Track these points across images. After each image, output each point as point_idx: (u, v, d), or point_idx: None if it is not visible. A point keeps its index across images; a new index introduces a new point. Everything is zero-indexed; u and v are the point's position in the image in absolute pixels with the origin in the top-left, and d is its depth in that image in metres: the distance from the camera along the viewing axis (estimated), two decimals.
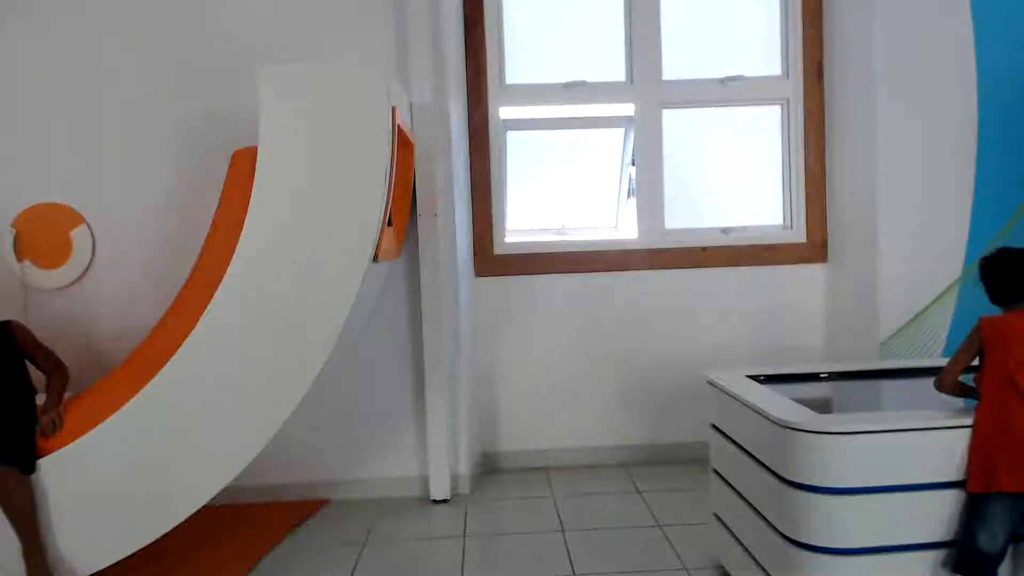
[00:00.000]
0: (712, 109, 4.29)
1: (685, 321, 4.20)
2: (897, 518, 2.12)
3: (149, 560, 2.95)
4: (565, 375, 4.20)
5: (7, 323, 2.91)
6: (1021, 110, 3.69)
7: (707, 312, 4.20)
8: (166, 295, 3.37)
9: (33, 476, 2.69)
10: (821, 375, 3.02)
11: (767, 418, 2.27)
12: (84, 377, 3.23)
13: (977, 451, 2.08)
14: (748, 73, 4.22)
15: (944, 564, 2.13)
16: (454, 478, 3.83)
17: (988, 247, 3.60)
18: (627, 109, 4.26)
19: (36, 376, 2.93)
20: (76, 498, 2.76)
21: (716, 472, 2.78)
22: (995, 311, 2.27)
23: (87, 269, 3.71)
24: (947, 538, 2.14)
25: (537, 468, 4.18)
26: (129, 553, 2.79)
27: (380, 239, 2.90)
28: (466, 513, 3.62)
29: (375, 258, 2.90)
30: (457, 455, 3.85)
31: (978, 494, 2.07)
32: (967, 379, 2.23)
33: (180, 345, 2.79)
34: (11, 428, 2.74)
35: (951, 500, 2.13)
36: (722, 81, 4.21)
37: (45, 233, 3.66)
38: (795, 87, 4.22)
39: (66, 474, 2.73)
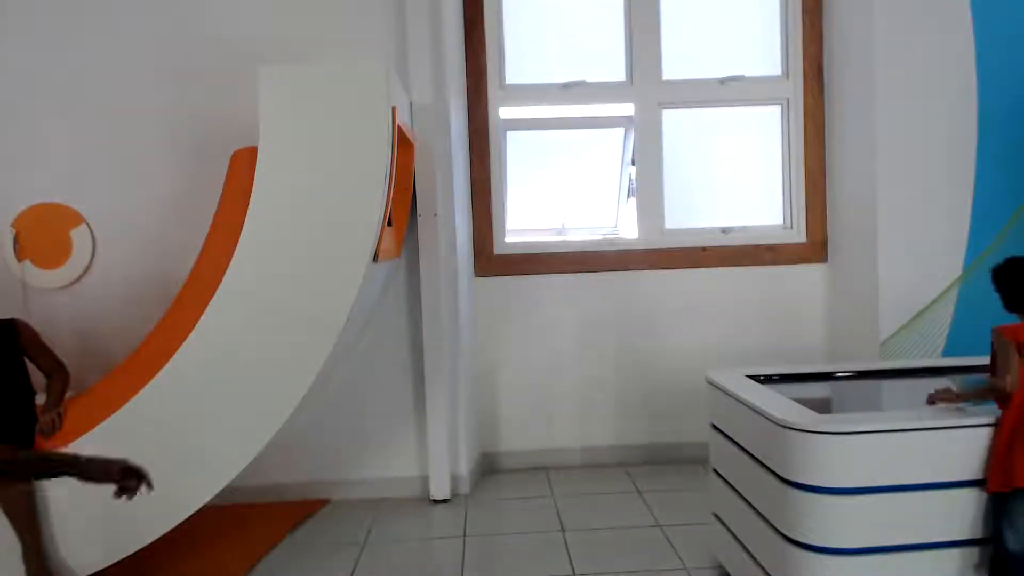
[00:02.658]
0: (712, 109, 4.28)
1: (685, 321, 4.19)
2: (897, 518, 2.12)
3: (149, 560, 2.95)
4: (565, 375, 4.20)
5: (12, 321, 2.89)
6: (1021, 109, 3.69)
7: (707, 312, 4.20)
8: (166, 295, 3.36)
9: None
10: (821, 375, 3.01)
11: (767, 418, 2.27)
12: (84, 377, 3.23)
13: (1000, 451, 2.09)
14: (748, 73, 4.22)
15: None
16: (454, 478, 3.83)
17: (988, 247, 3.62)
18: (627, 109, 4.26)
19: (35, 377, 2.93)
20: (76, 498, 2.76)
21: (716, 472, 2.78)
22: (996, 312, 2.28)
23: (87, 269, 3.71)
24: (947, 538, 2.14)
25: (537, 468, 4.18)
26: (129, 553, 2.79)
27: (380, 239, 2.90)
28: (466, 513, 3.62)
29: (375, 258, 2.90)
30: (457, 455, 3.85)
31: (1001, 494, 2.08)
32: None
33: (180, 345, 2.79)
34: (11, 428, 2.74)
35: (951, 500, 2.13)
36: (722, 81, 4.21)
37: (45, 233, 3.66)
38: (795, 87, 4.22)
39: None
